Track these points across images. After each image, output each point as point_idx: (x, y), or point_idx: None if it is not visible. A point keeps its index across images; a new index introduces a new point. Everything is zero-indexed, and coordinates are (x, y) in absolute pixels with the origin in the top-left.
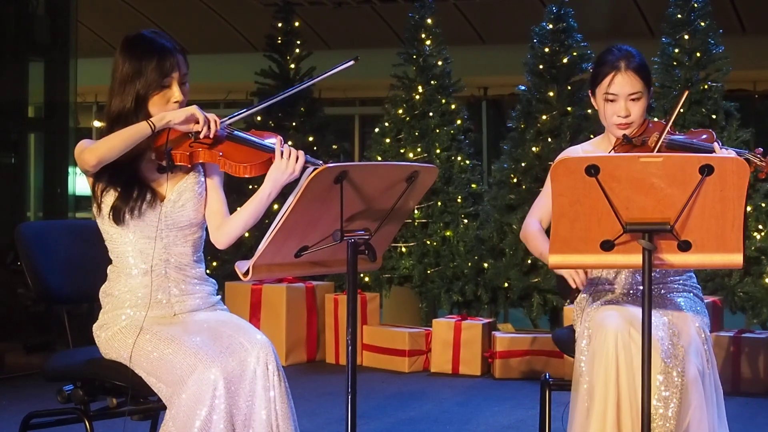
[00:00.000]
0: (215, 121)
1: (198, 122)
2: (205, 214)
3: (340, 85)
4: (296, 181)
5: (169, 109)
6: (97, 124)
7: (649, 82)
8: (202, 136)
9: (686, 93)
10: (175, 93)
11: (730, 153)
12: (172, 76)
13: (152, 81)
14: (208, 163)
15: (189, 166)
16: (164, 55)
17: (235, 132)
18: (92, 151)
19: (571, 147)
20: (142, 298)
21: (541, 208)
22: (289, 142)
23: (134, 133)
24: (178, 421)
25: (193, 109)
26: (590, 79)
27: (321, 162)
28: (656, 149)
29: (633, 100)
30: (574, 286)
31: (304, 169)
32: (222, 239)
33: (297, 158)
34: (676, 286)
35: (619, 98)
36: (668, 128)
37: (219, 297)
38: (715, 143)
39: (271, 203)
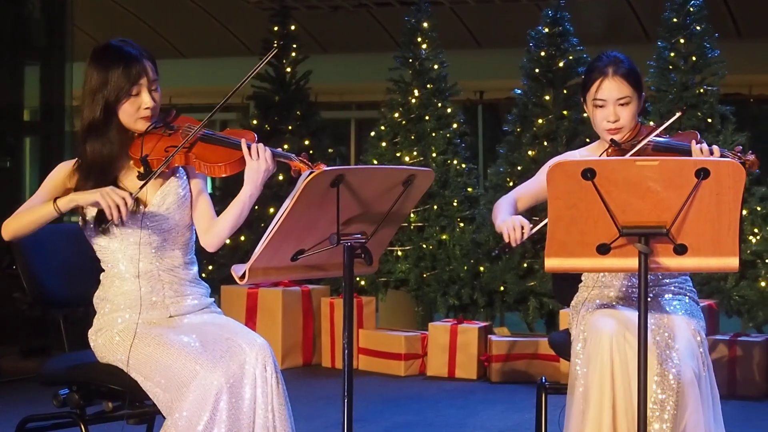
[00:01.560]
0: (125, 204)
1: (102, 206)
2: (193, 218)
3: (336, 89)
4: (293, 185)
5: (140, 116)
6: None
7: (640, 87)
8: (115, 221)
9: (679, 113)
10: (145, 99)
11: (710, 149)
12: (140, 83)
13: (119, 88)
14: (190, 167)
15: (167, 171)
16: (130, 62)
17: (206, 132)
18: (5, 228)
19: (567, 152)
20: (134, 300)
21: (524, 189)
22: (285, 146)
23: (40, 216)
24: (180, 427)
25: (98, 196)
26: (581, 86)
27: (290, 155)
28: (633, 151)
29: (622, 104)
30: (507, 241)
31: (287, 167)
32: (210, 242)
33: (265, 151)
34: (671, 288)
35: (608, 103)
36: (655, 133)
37: (212, 299)
38: (692, 141)
39: (268, 207)
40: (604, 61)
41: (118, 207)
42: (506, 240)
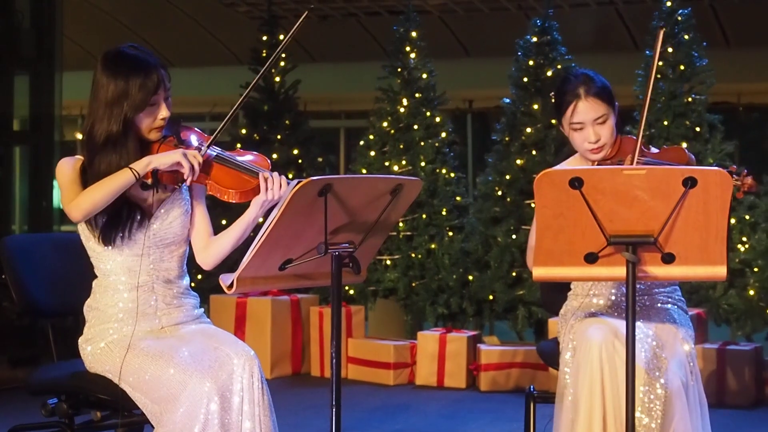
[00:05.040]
0: (200, 164)
1: (183, 167)
2: (191, 235)
3: (325, 98)
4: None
5: (154, 126)
6: (81, 137)
7: (613, 101)
8: (188, 181)
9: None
10: (163, 110)
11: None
12: (158, 93)
13: (140, 101)
14: (194, 184)
15: (174, 185)
16: (149, 72)
17: (222, 153)
18: (76, 208)
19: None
20: (129, 311)
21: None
22: (274, 156)
23: (118, 183)
24: None
25: (179, 156)
26: (554, 109)
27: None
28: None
29: (599, 123)
30: None
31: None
32: (208, 260)
33: (281, 185)
34: (660, 298)
35: (586, 125)
36: (639, 146)
37: (202, 310)
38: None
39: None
40: (574, 83)
41: (192, 168)
42: None
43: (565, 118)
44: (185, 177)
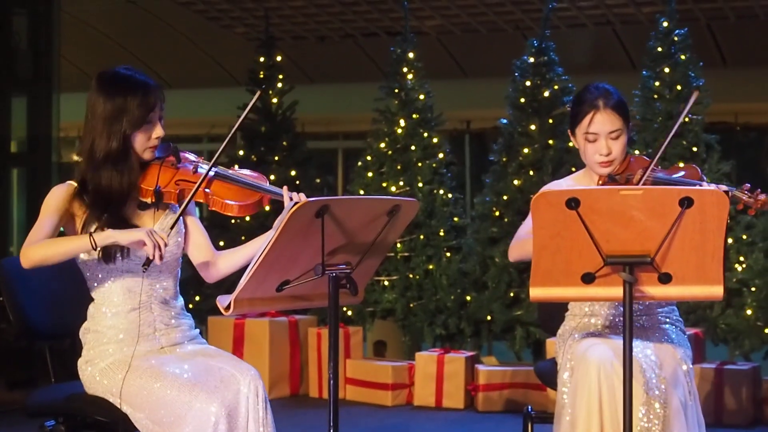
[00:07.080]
0: (165, 244)
1: (146, 245)
2: (190, 250)
3: (323, 119)
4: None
5: (149, 145)
6: (77, 158)
7: (628, 118)
8: (157, 261)
9: (671, 134)
10: (158, 129)
11: (717, 187)
12: (155, 111)
13: (138, 118)
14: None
15: (177, 204)
16: (147, 90)
17: (222, 172)
18: (26, 256)
19: (554, 181)
20: (128, 332)
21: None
22: (272, 177)
23: (74, 247)
24: None
25: (142, 234)
26: (569, 118)
27: None
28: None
29: (613, 138)
30: None
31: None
32: (214, 273)
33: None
34: (658, 318)
35: (600, 137)
36: (652, 165)
37: (198, 331)
38: (699, 182)
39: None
40: (594, 94)
41: (159, 247)
42: None
43: (581, 127)
44: (150, 255)
